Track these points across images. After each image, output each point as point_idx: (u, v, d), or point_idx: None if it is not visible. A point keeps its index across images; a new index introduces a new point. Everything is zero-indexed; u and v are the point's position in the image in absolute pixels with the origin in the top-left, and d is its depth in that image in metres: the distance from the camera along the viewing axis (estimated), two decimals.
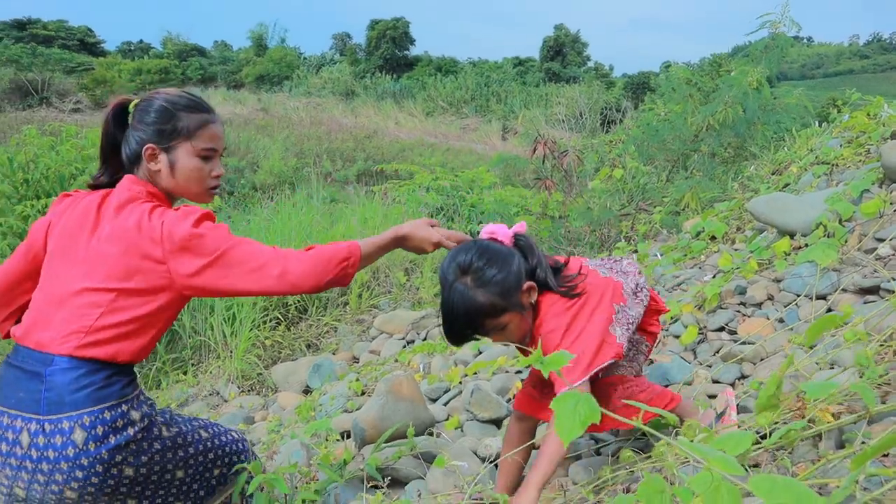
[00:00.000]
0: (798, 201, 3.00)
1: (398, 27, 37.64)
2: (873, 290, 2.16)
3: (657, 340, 1.82)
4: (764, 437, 1.37)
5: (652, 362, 2.32)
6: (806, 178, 3.91)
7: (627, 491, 1.50)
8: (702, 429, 1.53)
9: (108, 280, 1.41)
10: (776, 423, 1.40)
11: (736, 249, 3.33)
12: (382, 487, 1.94)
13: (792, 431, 1.29)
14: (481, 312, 1.49)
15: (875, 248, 2.41)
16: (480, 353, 3.29)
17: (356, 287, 5.43)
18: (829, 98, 14.11)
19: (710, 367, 2.21)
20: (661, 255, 3.99)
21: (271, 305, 5.10)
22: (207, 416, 3.72)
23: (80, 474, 1.34)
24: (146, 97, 1.58)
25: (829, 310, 2.17)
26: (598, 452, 1.92)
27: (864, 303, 2.13)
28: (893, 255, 2.34)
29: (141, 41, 43.76)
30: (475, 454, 2.13)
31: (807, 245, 2.71)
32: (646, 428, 1.00)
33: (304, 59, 38.87)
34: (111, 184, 1.59)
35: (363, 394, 3.31)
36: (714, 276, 3.00)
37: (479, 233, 1.63)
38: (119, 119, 1.59)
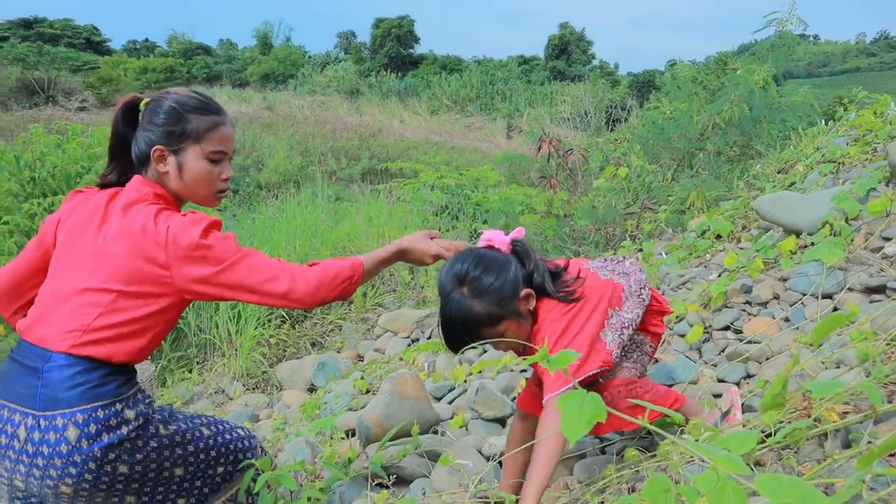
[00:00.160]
0: (804, 200, 2.99)
1: (403, 25, 37.61)
2: (880, 289, 2.15)
3: (662, 341, 1.81)
4: (769, 436, 1.36)
5: (657, 361, 2.32)
6: (812, 176, 3.90)
7: (632, 490, 1.49)
8: (707, 428, 1.53)
9: (110, 280, 1.41)
10: (781, 422, 1.39)
11: (741, 248, 3.32)
12: (387, 486, 1.95)
13: (797, 430, 1.29)
14: (478, 322, 1.50)
15: (881, 247, 2.40)
16: (485, 351, 3.29)
17: (361, 286, 5.44)
18: (835, 96, 14.05)
19: (715, 366, 2.21)
20: (666, 254, 3.98)
21: None
22: (213, 414, 3.74)
23: (73, 471, 1.35)
24: (156, 96, 1.58)
25: (836, 309, 2.16)
26: (602, 451, 1.92)
27: (871, 302, 2.12)
28: None
29: (146, 40, 43.84)
30: (480, 453, 2.13)
31: (813, 244, 2.70)
32: (651, 427, 1.00)
33: (309, 57, 38.89)
34: (120, 182, 1.59)
35: (368, 392, 3.31)
36: (719, 275, 3.00)
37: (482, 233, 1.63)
38: (129, 117, 1.58)
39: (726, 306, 2.56)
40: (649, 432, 1.78)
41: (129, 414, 1.39)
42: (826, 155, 4.08)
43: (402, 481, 2.10)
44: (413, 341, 4.19)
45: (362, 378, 3.45)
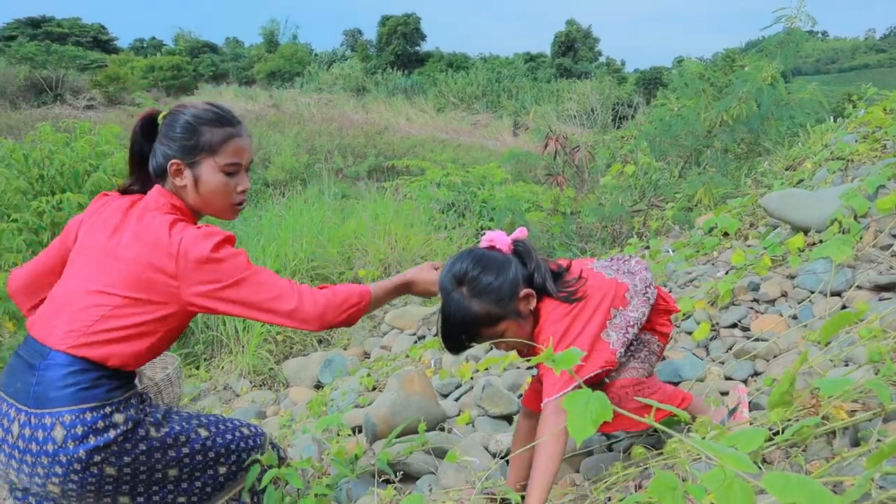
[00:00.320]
0: (812, 197, 2.97)
1: (409, 23, 37.57)
2: (889, 287, 2.14)
3: (669, 339, 1.80)
4: (777, 433, 1.36)
5: (664, 359, 2.31)
6: (820, 173, 3.88)
7: (638, 488, 1.49)
8: (713, 426, 1.52)
9: (118, 286, 1.42)
10: (789, 420, 1.39)
11: (749, 246, 3.31)
12: (394, 482, 1.95)
13: (805, 428, 1.28)
14: (477, 322, 1.50)
15: (891, 245, 2.39)
16: (492, 348, 3.29)
17: (368, 283, 5.45)
18: (844, 93, 13.96)
19: (722, 363, 2.20)
20: (673, 252, 3.97)
21: None
22: (220, 411, 3.75)
23: (59, 470, 1.36)
24: (173, 110, 1.59)
25: (844, 307, 2.15)
26: (609, 449, 1.92)
27: (880, 300, 2.11)
28: None
29: (153, 38, 43.97)
30: (486, 450, 2.14)
31: (821, 241, 2.68)
32: (658, 425, 1.00)
33: (316, 55, 38.92)
34: (143, 191, 1.61)
35: (374, 389, 3.32)
36: (727, 273, 2.98)
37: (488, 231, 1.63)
38: (146, 131, 1.60)
39: (734, 304, 2.55)
40: (656, 430, 1.78)
41: (118, 418, 1.39)
42: (835, 152, 4.06)
43: (409, 478, 2.10)
44: (419, 338, 4.20)
45: (369, 375, 3.46)
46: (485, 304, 1.48)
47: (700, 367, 2.17)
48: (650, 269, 1.69)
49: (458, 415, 2.56)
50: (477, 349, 3.34)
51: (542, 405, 1.45)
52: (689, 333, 2.48)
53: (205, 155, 1.54)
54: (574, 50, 37.92)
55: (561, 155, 6.42)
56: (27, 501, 1.51)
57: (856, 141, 4.07)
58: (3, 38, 32.44)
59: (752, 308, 2.49)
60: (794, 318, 2.28)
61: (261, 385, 4.28)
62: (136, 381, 2.01)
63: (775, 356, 2.08)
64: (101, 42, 35.98)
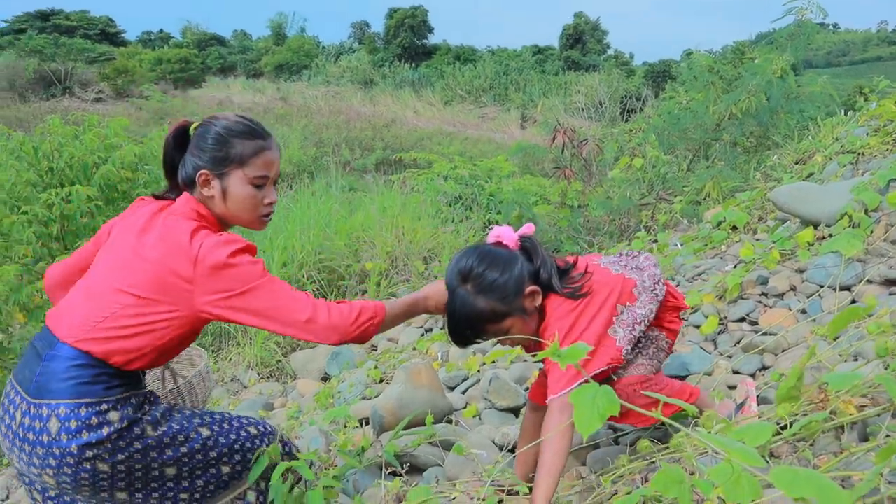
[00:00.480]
0: (822, 191, 2.95)
1: (417, 15, 37.46)
2: None
3: (678, 337, 1.79)
4: (784, 428, 1.35)
5: (672, 353, 2.31)
6: (831, 167, 3.85)
7: (645, 481, 1.49)
8: (720, 419, 1.52)
9: (135, 285, 1.43)
10: (796, 414, 1.38)
11: (758, 239, 3.29)
12: (400, 474, 1.96)
13: (814, 423, 1.28)
14: (482, 319, 1.50)
15: None
16: (498, 342, 3.29)
17: (375, 276, 5.45)
18: (855, 86, 13.85)
19: (730, 357, 2.20)
20: (682, 245, 3.95)
21: None
22: (227, 402, 3.77)
23: (53, 462, 1.37)
24: (205, 122, 1.59)
25: (854, 301, 2.14)
26: (616, 442, 1.92)
27: (890, 294, 2.10)
28: None
29: (161, 31, 44.08)
30: (493, 442, 2.14)
31: (831, 235, 2.67)
32: (665, 419, 1.00)
33: (323, 47, 38.89)
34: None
35: (381, 381, 3.33)
36: (735, 267, 2.97)
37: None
38: (179, 141, 1.60)
39: (742, 298, 2.54)
40: (663, 424, 1.78)
41: (113, 416, 1.39)
42: (845, 145, 4.03)
43: (415, 470, 2.11)
44: (426, 331, 4.21)
45: (376, 367, 3.47)
46: (490, 301, 1.48)
47: (708, 360, 2.16)
48: (659, 266, 1.68)
49: (465, 407, 2.57)
50: (484, 343, 3.35)
51: (547, 402, 1.45)
52: (697, 327, 2.48)
53: (234, 166, 1.54)
54: (582, 42, 37.71)
55: (569, 148, 6.40)
56: (34, 488, 1.53)
57: (867, 134, 4.04)
58: (13, 31, 32.59)
59: (760, 302, 2.48)
60: (803, 312, 2.26)
61: (268, 377, 4.30)
62: (166, 379, 2.03)
63: (783, 350, 2.07)
64: (109, 35, 36.05)
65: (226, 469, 1.57)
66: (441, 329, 4.08)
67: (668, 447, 1.51)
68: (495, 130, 23.15)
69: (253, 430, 1.63)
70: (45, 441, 1.36)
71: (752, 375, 2.05)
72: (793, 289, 2.47)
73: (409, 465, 2.06)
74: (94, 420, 1.37)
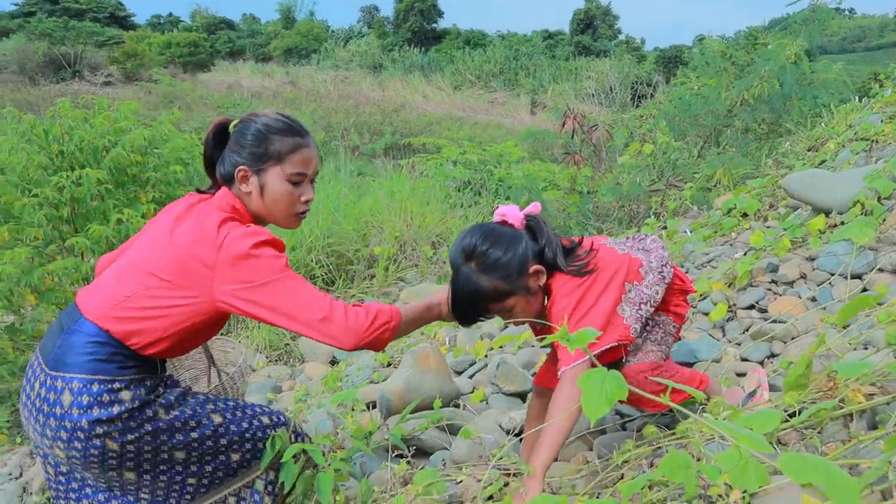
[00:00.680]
0: (835, 178, 2.93)
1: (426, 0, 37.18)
2: None
3: (685, 321, 1.79)
4: (792, 415, 1.35)
5: (680, 339, 2.30)
6: (844, 154, 3.81)
7: (651, 466, 1.49)
8: (727, 406, 1.52)
9: (160, 268, 1.44)
10: (804, 402, 1.38)
11: (768, 227, 3.27)
12: (407, 457, 1.97)
13: (822, 411, 1.27)
14: (485, 297, 1.50)
15: None
16: (506, 326, 3.29)
17: (383, 260, 5.46)
18: (870, 72, 13.67)
19: (739, 345, 2.19)
20: (691, 232, 3.93)
21: None
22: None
23: (64, 435, 1.39)
24: (245, 118, 1.60)
25: (865, 289, 2.12)
26: (622, 428, 1.92)
27: None
28: None
29: (170, 14, 43.90)
30: (500, 427, 2.15)
31: (843, 223, 2.64)
32: (674, 405, 1.00)
33: (332, 31, 38.69)
34: None
35: (389, 365, 3.34)
36: (745, 254, 2.96)
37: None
38: (219, 139, 1.61)
39: (751, 285, 2.52)
40: (671, 410, 1.78)
41: (125, 395, 1.41)
42: (859, 132, 3.99)
43: (422, 453, 2.12)
44: None
45: (383, 351, 3.48)
46: (493, 280, 1.48)
47: (716, 347, 2.16)
48: (666, 248, 1.67)
49: (472, 392, 2.58)
50: (492, 327, 3.35)
51: (559, 373, 1.44)
52: (706, 314, 2.47)
53: (272, 163, 1.54)
54: (593, 27, 37.35)
55: (579, 134, 6.36)
56: (48, 461, 1.55)
57: (881, 121, 3.99)
58: (22, 13, 32.57)
59: (770, 290, 2.47)
60: (813, 300, 2.25)
61: (276, 360, 4.33)
62: (211, 377, 2.05)
63: (793, 338, 2.06)
64: (118, 18, 36.00)
65: (235, 457, 1.58)
66: None
67: (674, 433, 1.51)
68: (505, 116, 23.04)
69: (266, 420, 1.64)
70: (57, 413, 1.38)
71: (761, 363, 2.04)
72: (803, 277, 2.46)
73: (415, 448, 2.07)
74: (106, 397, 1.39)
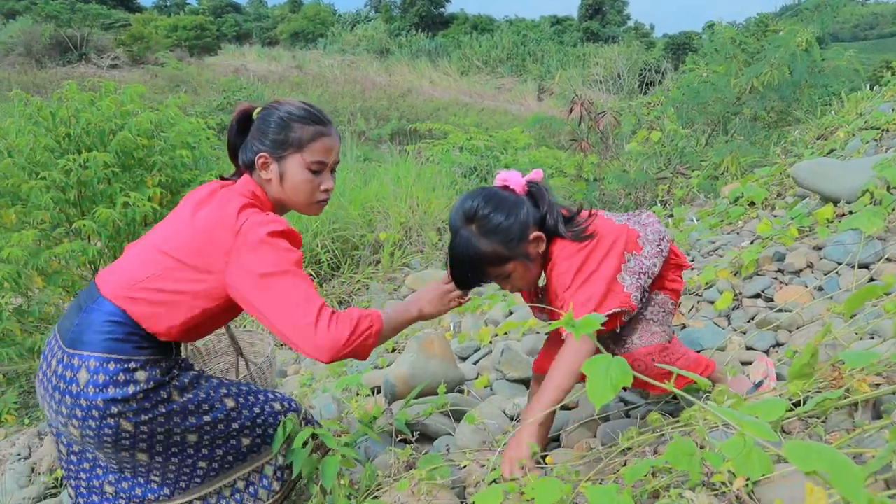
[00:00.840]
0: (844, 167, 2.90)
1: None
2: None
3: (680, 296, 1.77)
4: (797, 404, 1.35)
5: (684, 328, 2.30)
6: (853, 143, 3.78)
7: (655, 453, 1.50)
8: (731, 394, 1.52)
9: (178, 250, 1.45)
10: (808, 391, 1.38)
11: (776, 216, 3.25)
12: (411, 442, 1.98)
13: (827, 400, 1.27)
14: (484, 261, 1.49)
15: None
16: (511, 313, 3.30)
17: (388, 246, 5.47)
18: (882, 60, 13.53)
19: (744, 333, 2.19)
20: (698, 220, 3.92)
21: (304, 262, 5.16)
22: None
23: (79, 413, 1.40)
24: (268, 106, 1.60)
25: (872, 279, 2.11)
26: (627, 415, 1.93)
27: None
28: None
29: None
30: (504, 413, 2.16)
31: (851, 212, 2.63)
32: (680, 392, 1.00)
33: (339, 16, 38.51)
34: None
35: (394, 351, 3.35)
36: (752, 243, 2.94)
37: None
38: (242, 126, 1.61)
39: (758, 274, 2.51)
40: (675, 397, 1.78)
41: (140, 375, 1.42)
42: (869, 121, 3.95)
43: (426, 438, 2.13)
44: None
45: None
46: (493, 244, 1.47)
47: (721, 336, 2.16)
48: (662, 224, 1.67)
49: (477, 378, 2.58)
50: (496, 312, 3.35)
51: (564, 334, 1.43)
52: (711, 303, 2.46)
53: (293, 150, 1.54)
54: (602, 13, 37.05)
55: (586, 120, 6.33)
56: (61, 440, 1.57)
57: (892, 110, 3.96)
58: None
59: (776, 279, 2.46)
60: (820, 289, 2.24)
61: (282, 345, 4.35)
62: (240, 367, 2.06)
63: (798, 328, 2.06)
64: (124, 0, 35.87)
65: (246, 441, 1.59)
66: None
67: (678, 421, 1.51)
68: (512, 102, 22.93)
69: (277, 406, 1.65)
70: (73, 391, 1.39)
71: (766, 352, 2.04)
72: (810, 266, 2.45)
73: (419, 433, 2.08)
74: (122, 377, 1.40)
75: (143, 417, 1.42)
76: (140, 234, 4.28)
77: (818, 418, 1.33)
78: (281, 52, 30.58)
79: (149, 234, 1.58)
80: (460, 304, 1.69)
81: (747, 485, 1.11)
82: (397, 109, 18.91)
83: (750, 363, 1.90)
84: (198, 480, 1.57)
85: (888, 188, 2.61)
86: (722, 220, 3.62)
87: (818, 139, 4.68)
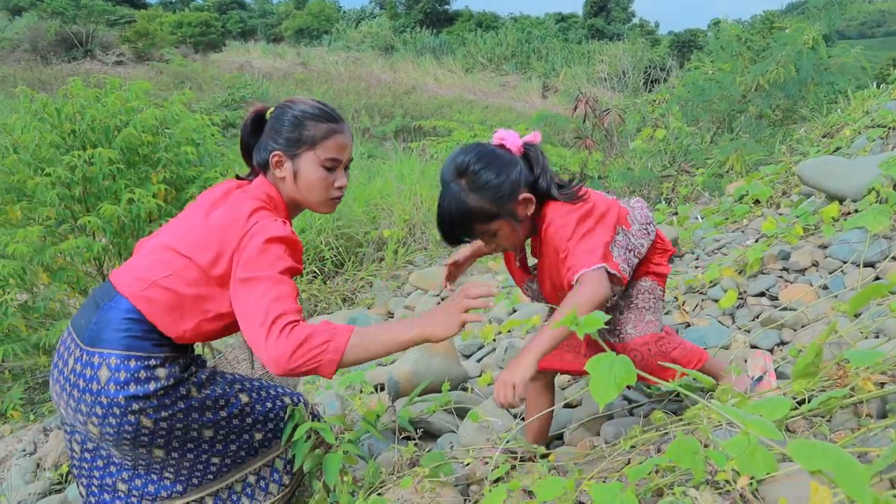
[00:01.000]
0: (850, 165, 2.89)
1: None
2: None
3: (666, 281, 1.77)
4: (801, 403, 1.35)
5: (688, 325, 2.30)
6: (859, 141, 3.76)
7: (658, 451, 1.50)
8: (735, 393, 1.51)
9: (190, 248, 1.45)
10: (813, 390, 1.37)
11: (781, 214, 3.24)
12: (415, 439, 1.98)
13: (832, 399, 1.27)
14: (471, 216, 1.48)
15: None
16: (515, 311, 3.30)
17: (392, 243, 5.47)
18: (889, 58, 13.47)
19: (748, 332, 2.18)
20: (702, 218, 3.91)
21: (308, 259, 5.17)
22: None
23: (99, 411, 1.41)
24: (281, 105, 1.60)
25: (877, 278, 2.10)
26: (630, 413, 1.93)
27: None
28: None
29: None
30: (507, 410, 2.16)
31: (857, 211, 2.62)
32: (682, 389, 1.00)
33: (344, 12, 38.47)
34: None
35: None
36: (756, 241, 2.94)
37: None
38: (256, 126, 1.62)
39: (762, 272, 2.51)
40: (678, 396, 1.78)
41: (161, 372, 1.43)
42: (876, 119, 3.93)
43: (430, 436, 2.14)
44: (443, 299, 4.22)
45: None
46: (481, 200, 1.46)
47: (725, 334, 2.15)
48: (649, 209, 1.68)
49: (480, 375, 2.58)
50: (500, 310, 3.35)
51: (575, 277, 1.39)
52: (716, 301, 2.46)
53: (306, 148, 1.54)
54: (607, 10, 36.92)
55: (590, 118, 6.32)
56: (74, 438, 1.57)
57: None
58: None
59: (781, 277, 2.46)
60: (825, 288, 2.24)
61: None
62: (255, 362, 2.06)
63: (803, 326, 2.05)
64: None
65: (258, 436, 1.61)
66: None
67: (682, 419, 1.51)
68: (516, 99, 22.89)
69: (287, 401, 1.67)
70: (93, 389, 1.40)
71: (770, 350, 2.03)
72: (815, 264, 2.44)
73: (423, 430, 2.08)
74: (143, 374, 1.41)
75: (163, 414, 1.44)
76: (145, 230, 4.29)
77: (823, 417, 1.33)
78: (286, 48, 30.56)
79: (161, 231, 1.58)
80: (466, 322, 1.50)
81: (751, 483, 1.11)
82: (401, 106, 18.89)
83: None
84: (210, 476, 1.59)
85: (894, 186, 2.60)
86: (727, 219, 3.61)
87: (824, 137, 4.66)
